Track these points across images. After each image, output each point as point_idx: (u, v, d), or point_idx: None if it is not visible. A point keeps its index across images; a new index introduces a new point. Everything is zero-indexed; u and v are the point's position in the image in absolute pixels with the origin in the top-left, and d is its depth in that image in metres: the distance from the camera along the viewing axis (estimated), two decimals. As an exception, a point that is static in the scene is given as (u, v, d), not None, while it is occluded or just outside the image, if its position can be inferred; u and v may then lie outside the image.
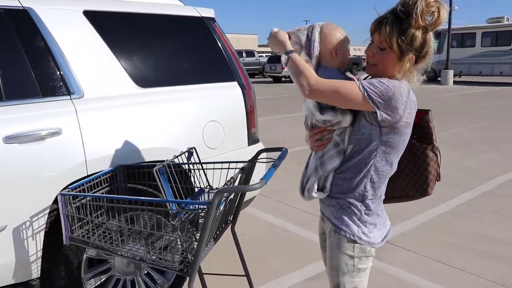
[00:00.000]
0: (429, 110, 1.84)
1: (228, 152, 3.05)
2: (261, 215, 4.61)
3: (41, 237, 2.31)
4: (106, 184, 2.34)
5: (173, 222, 1.77)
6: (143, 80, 2.68)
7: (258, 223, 4.39)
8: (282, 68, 26.46)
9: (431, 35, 1.60)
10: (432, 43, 1.62)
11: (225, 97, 3.06)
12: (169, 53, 2.90)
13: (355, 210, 1.71)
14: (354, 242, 1.71)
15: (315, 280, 3.24)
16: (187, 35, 3.03)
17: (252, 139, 3.25)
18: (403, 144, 1.67)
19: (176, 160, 2.20)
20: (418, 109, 1.71)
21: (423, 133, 1.82)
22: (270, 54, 33.25)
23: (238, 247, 2.45)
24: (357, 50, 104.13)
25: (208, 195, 2.27)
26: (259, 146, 3.33)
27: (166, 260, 1.94)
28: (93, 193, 2.23)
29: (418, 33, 1.57)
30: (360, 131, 1.64)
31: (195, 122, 2.85)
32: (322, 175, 1.74)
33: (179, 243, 1.91)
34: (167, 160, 2.02)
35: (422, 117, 1.82)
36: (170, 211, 1.75)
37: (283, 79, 27.55)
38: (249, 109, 3.18)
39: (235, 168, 2.34)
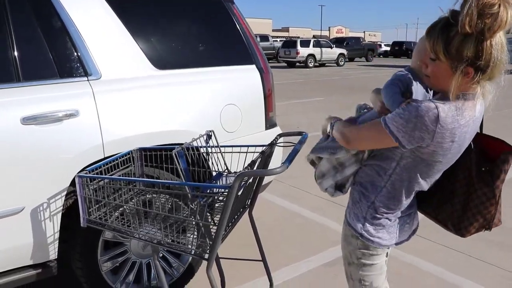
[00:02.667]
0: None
1: (245, 136, 3.01)
2: (276, 200, 4.58)
3: (58, 219, 2.30)
4: (124, 167, 2.32)
5: (192, 205, 1.74)
6: (161, 62, 2.64)
7: (273, 208, 4.36)
8: (297, 53, 26.25)
9: (494, 42, 1.32)
10: (498, 51, 1.33)
11: (243, 80, 3.01)
12: (187, 34, 2.85)
13: (362, 207, 1.66)
14: (357, 237, 1.67)
15: (331, 266, 3.21)
16: (205, 16, 2.97)
17: (270, 123, 3.21)
18: (430, 171, 1.55)
19: (194, 143, 2.16)
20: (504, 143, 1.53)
21: (492, 171, 1.54)
22: (285, 39, 33.00)
23: (255, 231, 2.43)
24: (372, 36, 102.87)
25: (227, 179, 2.24)
26: (277, 130, 3.28)
27: (183, 244, 1.92)
28: (111, 175, 2.21)
29: (468, 42, 1.31)
30: (379, 150, 1.61)
31: (212, 105, 2.81)
32: (339, 180, 1.72)
33: (197, 227, 1.88)
34: (185, 143, 1.99)
35: (503, 153, 1.53)
36: (189, 195, 1.72)
37: (297, 64, 27.34)
38: (267, 93, 3.13)
39: (254, 152, 2.30)
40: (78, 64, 2.36)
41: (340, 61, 29.13)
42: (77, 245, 2.39)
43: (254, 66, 3.08)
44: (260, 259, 2.46)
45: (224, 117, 2.86)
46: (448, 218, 1.65)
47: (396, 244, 1.70)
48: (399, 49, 41.64)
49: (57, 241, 2.34)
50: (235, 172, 2.31)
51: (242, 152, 2.33)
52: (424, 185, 1.59)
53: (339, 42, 33.90)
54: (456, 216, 1.62)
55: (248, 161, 2.49)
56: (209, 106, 2.79)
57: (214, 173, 2.24)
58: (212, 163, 2.20)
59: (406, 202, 1.63)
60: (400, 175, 1.57)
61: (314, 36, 57.38)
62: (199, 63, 2.82)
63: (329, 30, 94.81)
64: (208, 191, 1.79)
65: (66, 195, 2.31)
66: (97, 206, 2.06)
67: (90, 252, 2.42)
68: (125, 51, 2.51)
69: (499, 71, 1.38)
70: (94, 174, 2.05)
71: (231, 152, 2.33)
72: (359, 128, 1.58)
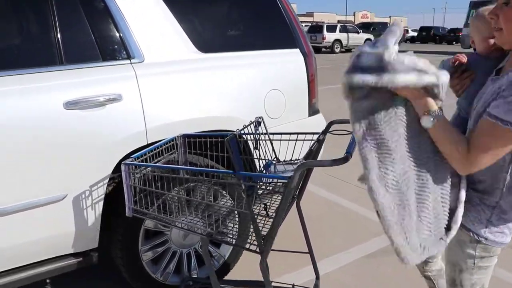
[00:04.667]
0: None
1: (289, 122, 2.89)
2: (316, 190, 4.45)
3: (100, 207, 2.23)
4: (168, 154, 2.23)
5: (246, 196, 1.64)
6: (205, 45, 2.53)
7: (313, 198, 4.24)
8: (323, 39, 25.83)
9: None
10: None
11: (287, 64, 2.88)
12: (230, 17, 2.73)
13: (485, 210, 1.48)
14: (478, 242, 1.49)
15: (373, 257, 3.09)
16: (249, -1, 2.84)
17: (313, 110, 3.07)
18: None
19: (245, 131, 2.05)
20: None
21: None
22: (310, 24, 32.54)
23: (303, 223, 2.31)
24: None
25: (275, 168, 2.12)
26: (320, 117, 3.15)
27: (233, 236, 1.82)
28: (155, 163, 2.12)
29: None
30: None
31: (256, 90, 2.69)
32: None
33: (251, 220, 1.78)
34: (237, 130, 1.88)
35: None
36: (243, 185, 1.61)
37: (323, 49, 26.94)
38: (311, 78, 2.99)
39: (304, 140, 2.17)
40: (121, 47, 2.26)
41: (367, 46, 28.53)
42: (118, 234, 2.31)
43: (298, 50, 2.94)
44: (307, 251, 2.35)
45: (268, 103, 2.74)
46: None
47: None
48: (427, 34, 40.69)
49: (99, 230, 2.27)
50: (284, 161, 2.19)
51: (291, 140, 2.21)
52: None
53: (365, 27, 33.33)
54: None
55: (297, 150, 2.37)
56: (253, 92, 2.67)
57: (262, 162, 2.12)
58: (263, 151, 2.09)
59: None
60: None
61: (338, 21, 56.50)
62: (243, 47, 2.70)
63: (354, 15, 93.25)
64: (266, 182, 1.68)
65: (109, 182, 2.23)
66: (142, 194, 1.98)
67: (131, 242, 2.35)
68: (168, 33, 2.40)
69: None
70: (139, 161, 1.96)
71: (280, 140, 2.20)
72: (480, 143, 1.32)
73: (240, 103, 2.61)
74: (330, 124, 2.14)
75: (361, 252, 3.18)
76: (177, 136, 2.29)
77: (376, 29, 33.29)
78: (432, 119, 1.33)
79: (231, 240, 2.02)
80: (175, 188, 2.25)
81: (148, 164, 1.85)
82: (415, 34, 44.69)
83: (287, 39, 2.90)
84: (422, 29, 42.29)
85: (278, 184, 1.71)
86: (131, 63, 2.26)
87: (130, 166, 1.85)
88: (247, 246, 1.71)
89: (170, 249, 2.57)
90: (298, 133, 2.19)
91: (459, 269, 1.56)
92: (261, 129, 2.13)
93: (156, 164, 1.86)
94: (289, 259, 2.84)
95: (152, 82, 2.28)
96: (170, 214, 2.13)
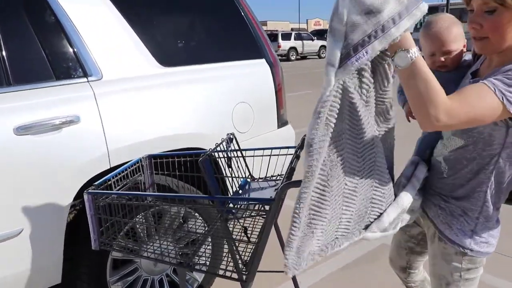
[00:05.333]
0: None
1: (259, 135, 2.78)
2: (288, 202, 4.33)
3: (61, 239, 2.04)
4: (134, 177, 2.06)
5: (224, 222, 1.51)
6: (167, 59, 2.38)
7: (285, 211, 4.12)
8: (279, 47, 25.99)
9: None
10: None
11: (254, 76, 2.77)
12: (192, 28, 2.59)
13: (469, 221, 1.44)
14: (464, 254, 1.45)
15: (353, 267, 3.02)
16: (212, 9, 2.71)
17: (281, 121, 2.97)
18: None
19: (220, 148, 1.92)
20: None
21: None
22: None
23: (282, 241, 2.19)
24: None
25: (249, 187, 2.00)
26: (289, 128, 3.05)
27: (214, 265, 1.68)
28: (121, 187, 1.95)
29: None
30: (476, 128, 1.31)
31: (223, 104, 2.56)
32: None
33: (230, 246, 1.65)
34: (209, 149, 1.74)
35: None
36: (218, 210, 1.48)
37: (279, 57, 27.00)
38: (278, 88, 2.90)
39: (278, 155, 2.06)
40: (76, 64, 2.08)
41: (322, 53, 28.98)
42: (84, 267, 2.12)
43: (263, 60, 2.84)
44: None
45: (235, 117, 2.61)
46: None
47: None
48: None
49: (61, 263, 2.07)
50: (260, 178, 2.07)
51: (265, 156, 2.09)
52: None
53: (319, 34, 33.73)
54: None
55: (271, 165, 2.26)
56: (219, 106, 2.54)
57: (237, 181, 2.00)
58: (236, 169, 1.97)
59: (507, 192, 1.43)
60: (505, 161, 1.34)
61: (292, 29, 57.21)
62: (207, 59, 2.57)
63: (307, 23, 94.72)
64: (245, 206, 1.55)
65: (70, 210, 2.05)
66: (108, 224, 1.81)
67: (98, 273, 2.16)
68: (127, 47, 2.24)
69: None
70: (103, 188, 1.79)
71: (253, 156, 2.08)
72: (464, 96, 1.18)
73: (207, 119, 2.47)
74: (304, 137, 2.03)
75: (340, 263, 3.10)
76: (142, 158, 2.13)
77: (330, 35, 33.80)
78: (409, 55, 1.12)
79: (206, 268, 1.88)
80: (142, 213, 2.09)
81: (113, 192, 1.69)
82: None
83: (252, 49, 2.80)
84: (373, 34, 43.31)
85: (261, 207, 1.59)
86: (88, 81, 2.09)
87: (93, 195, 1.68)
88: (228, 274, 1.57)
89: (141, 277, 2.40)
90: (272, 148, 2.07)
91: (446, 283, 1.52)
92: (233, 145, 2.00)
93: (122, 192, 1.70)
94: (269, 276, 2.71)
95: (112, 101, 2.12)
96: (139, 241, 1.97)
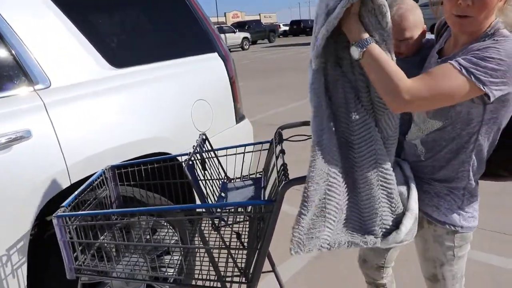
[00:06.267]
0: None
1: (219, 133, 2.65)
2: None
3: (23, 270, 1.81)
4: (100, 191, 1.87)
5: (216, 230, 1.39)
6: (118, 60, 2.19)
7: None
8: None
9: None
10: None
11: (208, 71, 2.63)
12: (142, 26, 2.41)
13: (456, 199, 1.43)
14: (455, 232, 1.44)
15: (320, 259, 3.00)
16: (160, 5, 2.53)
17: (239, 116, 2.87)
18: (509, 116, 1.34)
19: (197, 150, 1.78)
20: None
21: None
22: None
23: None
24: (268, 17, 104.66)
25: (226, 188, 1.88)
26: (247, 123, 2.95)
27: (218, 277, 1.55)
28: (89, 205, 1.76)
29: None
30: (453, 108, 1.30)
31: (182, 103, 2.40)
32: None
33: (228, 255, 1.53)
34: (189, 153, 1.60)
35: None
36: (213, 218, 1.36)
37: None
38: (232, 81, 2.78)
39: (252, 152, 1.96)
40: (19, 72, 1.84)
41: (245, 44, 29.07)
42: (51, 298, 1.91)
43: (216, 54, 2.72)
44: (271, 270, 2.15)
45: (195, 115, 2.47)
46: (500, 165, 1.46)
47: None
48: (298, 27, 42.46)
49: (24, 297, 1.85)
50: (238, 178, 1.96)
51: (238, 154, 1.98)
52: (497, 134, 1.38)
53: (240, 26, 33.82)
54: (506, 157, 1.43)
55: (246, 163, 2.15)
56: (178, 105, 2.38)
57: (216, 183, 1.87)
58: (211, 171, 1.84)
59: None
60: (484, 137, 1.34)
61: (212, 23, 56.76)
62: (159, 57, 2.40)
63: (225, 16, 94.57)
64: (242, 210, 1.44)
65: (31, 238, 1.82)
66: (82, 247, 1.62)
67: (67, 302, 1.95)
68: (75, 50, 2.02)
69: None
70: (72, 210, 1.59)
71: (226, 156, 1.97)
72: (428, 75, 1.21)
73: (166, 121, 2.31)
74: (280, 130, 1.94)
75: (309, 256, 3.06)
76: (106, 169, 1.94)
77: (251, 27, 34.01)
78: (359, 49, 1.21)
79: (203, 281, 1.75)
80: (114, 229, 1.91)
81: (84, 212, 1.50)
82: (287, 28, 46.54)
83: (204, 44, 2.66)
84: (292, 23, 44.04)
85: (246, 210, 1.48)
86: (35, 90, 1.86)
87: (63, 219, 1.49)
88: (228, 285, 1.46)
89: (112, 298, 2.21)
90: (245, 145, 1.97)
91: (440, 264, 1.52)
92: (206, 146, 1.87)
93: (94, 212, 1.51)
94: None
95: (65, 110, 1.90)
96: (109, 261, 1.79)
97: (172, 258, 2.09)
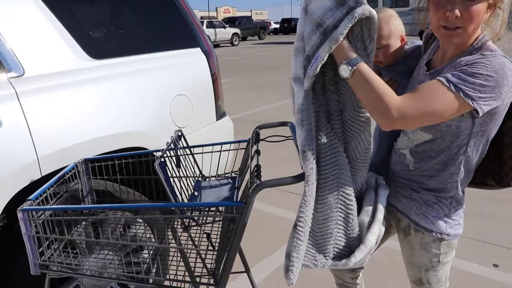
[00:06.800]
0: None
1: (198, 129, 2.62)
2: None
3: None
4: (71, 185, 1.83)
5: (186, 231, 1.36)
6: (96, 50, 2.14)
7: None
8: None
9: None
10: None
11: (190, 66, 2.59)
12: (124, 17, 2.36)
13: (443, 207, 1.44)
14: (442, 240, 1.46)
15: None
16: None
17: (219, 113, 2.83)
18: (497, 128, 1.35)
19: (171, 147, 1.74)
20: None
21: None
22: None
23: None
24: (259, 14, 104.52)
25: (200, 187, 1.85)
26: (227, 120, 2.92)
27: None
28: (59, 199, 1.72)
29: None
30: (442, 122, 1.30)
31: (160, 98, 2.36)
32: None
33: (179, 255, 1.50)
34: (162, 149, 1.57)
35: None
36: (182, 218, 1.33)
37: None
38: (214, 78, 2.75)
39: (228, 150, 1.93)
40: (-9, 59, 1.79)
41: (235, 40, 28.97)
42: (16, 292, 1.86)
43: (199, 49, 2.68)
44: (244, 270, 2.13)
45: (174, 110, 2.43)
46: (487, 174, 1.49)
47: None
48: (288, 25, 42.42)
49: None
50: (213, 177, 1.93)
51: (215, 152, 1.95)
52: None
53: (231, 21, 33.71)
54: (494, 167, 1.46)
55: (223, 162, 2.12)
56: (156, 100, 2.34)
57: (189, 181, 1.84)
58: (184, 168, 1.81)
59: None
60: (473, 149, 1.35)
61: (202, 17, 56.59)
62: (140, 49, 2.35)
63: (216, 11, 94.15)
64: (210, 211, 1.41)
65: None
66: (48, 243, 1.57)
67: (33, 297, 1.91)
68: (52, 39, 1.97)
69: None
70: (39, 202, 1.55)
71: (202, 153, 1.94)
72: (416, 93, 1.22)
73: (144, 115, 2.27)
74: (258, 130, 1.92)
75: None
76: (78, 162, 1.89)
77: (242, 23, 33.91)
78: (350, 68, 1.21)
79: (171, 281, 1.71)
80: (83, 224, 1.87)
81: (51, 207, 1.46)
82: (277, 26, 46.49)
83: (187, 38, 2.62)
84: (283, 21, 43.99)
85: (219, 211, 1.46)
86: (7, 79, 1.80)
87: (29, 212, 1.44)
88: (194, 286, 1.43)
89: (81, 294, 2.16)
90: (222, 143, 1.94)
91: (425, 269, 1.54)
92: (182, 143, 1.84)
93: (64, 206, 1.48)
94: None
95: (38, 100, 1.86)
96: (80, 257, 1.75)
97: (141, 257, 2.05)
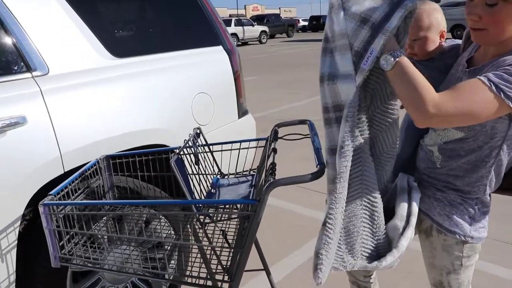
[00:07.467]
0: None
1: (220, 127, 2.64)
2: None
3: (12, 255, 1.82)
4: (92, 181, 1.87)
5: (202, 227, 1.38)
6: (119, 49, 2.18)
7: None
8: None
9: None
10: None
11: (212, 64, 2.61)
12: (146, 16, 2.39)
13: (469, 208, 1.41)
14: (465, 242, 1.42)
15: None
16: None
17: (242, 111, 2.84)
18: None
19: (189, 144, 1.76)
20: None
21: None
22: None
23: (256, 241, 2.08)
24: (288, 11, 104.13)
25: (219, 184, 1.87)
26: (249, 118, 2.93)
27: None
28: (79, 194, 1.76)
29: None
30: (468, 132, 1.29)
31: (182, 96, 2.39)
32: None
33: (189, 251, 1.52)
34: (179, 147, 1.59)
35: None
36: (198, 214, 1.35)
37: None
38: (236, 76, 2.76)
39: (247, 148, 1.94)
40: (17, 57, 1.85)
41: (263, 38, 28.98)
42: (41, 284, 1.92)
43: (221, 47, 2.69)
44: (263, 268, 2.13)
45: (196, 108, 2.46)
46: None
47: None
48: (317, 23, 42.17)
49: (14, 282, 1.86)
50: (231, 174, 1.94)
51: (234, 149, 1.96)
52: None
53: (259, 19, 33.71)
54: None
55: (241, 159, 2.13)
56: (178, 98, 2.37)
57: (208, 178, 1.85)
58: (204, 166, 1.82)
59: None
60: (505, 153, 1.32)
61: (230, 15, 56.86)
62: (162, 48, 2.38)
63: (245, 9, 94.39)
64: (227, 208, 1.42)
65: (21, 222, 1.83)
66: (69, 237, 1.62)
67: (56, 289, 1.96)
68: (76, 38, 2.02)
69: None
70: (60, 197, 1.59)
71: (221, 151, 1.95)
72: (456, 91, 1.18)
73: (166, 113, 2.30)
74: (277, 128, 1.92)
75: (306, 255, 3.04)
76: (100, 159, 1.94)
77: (270, 20, 33.89)
78: (392, 59, 1.19)
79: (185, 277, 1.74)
80: (104, 219, 1.91)
81: (73, 202, 1.50)
82: (306, 23, 46.23)
83: (209, 36, 2.64)
84: (312, 18, 43.76)
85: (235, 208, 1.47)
86: (33, 77, 1.86)
87: (50, 207, 1.49)
88: (209, 283, 1.44)
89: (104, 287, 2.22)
90: (241, 141, 1.95)
91: (447, 272, 1.51)
92: (200, 140, 1.86)
93: (83, 202, 1.51)
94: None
95: (62, 98, 1.90)
96: (101, 251, 1.79)
97: (161, 252, 2.08)
